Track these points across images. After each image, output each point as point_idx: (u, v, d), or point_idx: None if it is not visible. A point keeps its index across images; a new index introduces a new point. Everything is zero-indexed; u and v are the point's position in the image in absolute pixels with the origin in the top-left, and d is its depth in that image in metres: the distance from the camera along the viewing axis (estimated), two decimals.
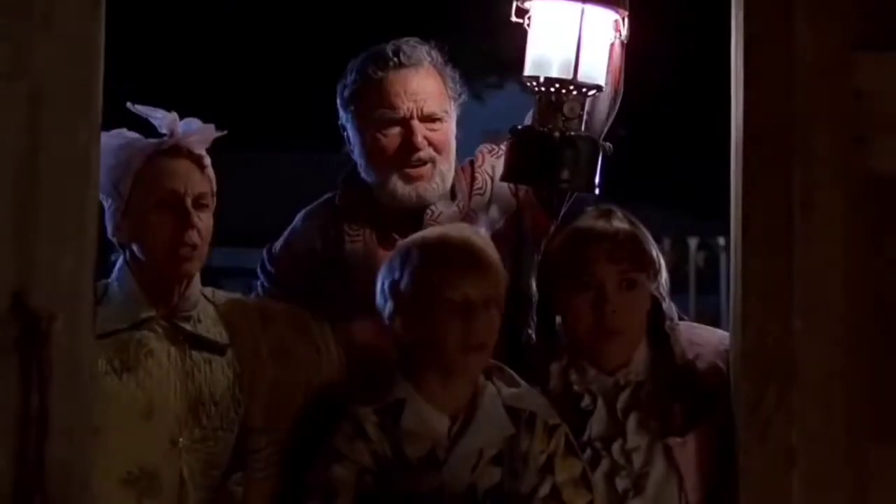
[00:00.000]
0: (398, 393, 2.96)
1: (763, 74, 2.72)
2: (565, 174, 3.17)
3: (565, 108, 3.15)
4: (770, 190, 2.71)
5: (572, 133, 3.17)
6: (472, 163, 3.58)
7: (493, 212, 3.49)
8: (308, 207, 3.60)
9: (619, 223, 3.12)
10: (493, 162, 3.54)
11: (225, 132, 3.17)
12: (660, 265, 3.14)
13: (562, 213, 3.34)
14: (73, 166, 2.56)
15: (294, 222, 3.58)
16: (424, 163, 3.41)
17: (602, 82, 3.20)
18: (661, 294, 3.15)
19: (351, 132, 3.50)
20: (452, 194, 3.49)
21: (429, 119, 3.42)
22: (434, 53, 3.48)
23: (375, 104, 3.43)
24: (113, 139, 3.09)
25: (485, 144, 3.61)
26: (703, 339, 3.16)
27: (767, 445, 2.70)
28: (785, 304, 2.70)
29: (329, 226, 3.47)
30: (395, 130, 3.42)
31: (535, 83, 3.19)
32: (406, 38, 3.47)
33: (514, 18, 3.21)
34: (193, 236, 3.10)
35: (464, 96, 3.53)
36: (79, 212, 2.58)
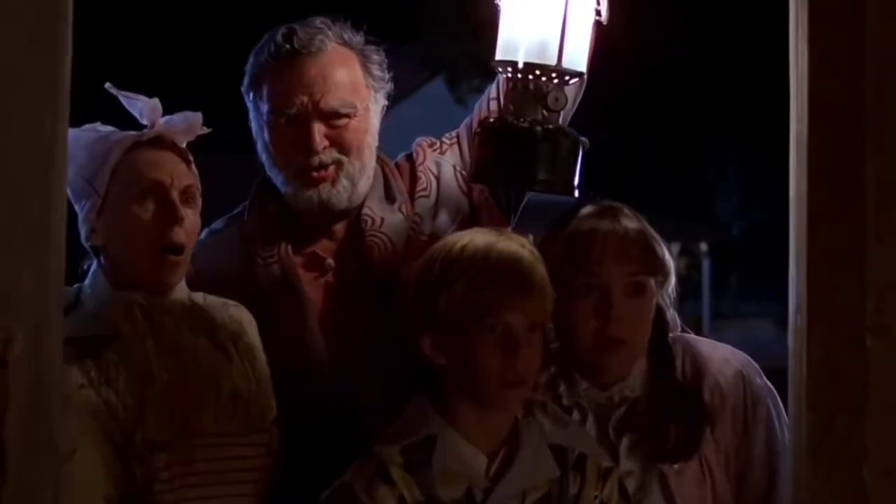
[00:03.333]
0: (429, 428, 2.67)
1: (829, 59, 2.47)
2: (545, 174, 2.89)
3: (549, 99, 2.85)
4: (838, 192, 2.47)
5: (551, 127, 2.87)
6: (410, 159, 3.21)
7: (443, 216, 3.15)
8: (215, 223, 3.22)
9: (628, 221, 2.88)
10: (435, 158, 3.19)
11: (209, 130, 2.93)
12: (670, 268, 2.86)
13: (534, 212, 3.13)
14: (35, 160, 2.29)
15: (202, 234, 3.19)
16: (326, 166, 3.04)
17: (584, 68, 2.88)
18: (665, 302, 2.90)
19: (253, 124, 3.13)
20: (389, 196, 3.13)
21: (331, 115, 3.03)
22: (348, 35, 3.09)
23: (270, 97, 3.05)
24: (86, 134, 2.87)
25: (423, 138, 3.25)
26: (706, 354, 2.95)
27: (835, 484, 2.46)
28: (856, 321, 2.45)
29: (235, 248, 3.08)
30: (292, 128, 3.04)
31: (510, 69, 2.86)
32: (313, 18, 3.08)
33: None
34: (180, 234, 2.84)
35: (390, 84, 3.15)
36: (42, 214, 2.31)
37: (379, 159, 3.16)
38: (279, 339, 2.99)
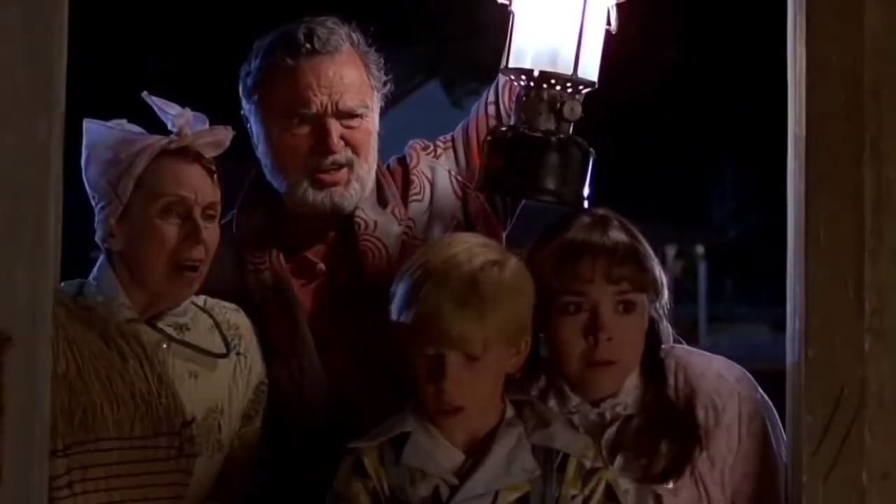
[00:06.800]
0: (405, 425, 2.65)
1: (827, 61, 2.46)
2: (556, 185, 2.82)
3: (565, 110, 2.79)
4: (837, 193, 2.46)
5: (563, 137, 2.82)
6: (402, 162, 3.16)
7: (436, 220, 3.09)
8: None
9: (618, 234, 2.75)
10: (429, 162, 3.14)
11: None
12: (661, 284, 2.80)
13: (514, 219, 3.06)
14: (31, 163, 2.27)
15: None
16: (341, 166, 3.00)
17: (596, 78, 2.84)
18: (659, 315, 2.82)
19: (255, 127, 3.07)
20: (382, 199, 3.09)
21: (346, 115, 2.99)
22: (356, 36, 3.05)
23: (283, 97, 2.99)
24: (111, 131, 2.83)
25: (416, 141, 3.19)
26: (700, 368, 2.83)
27: (834, 487, 2.46)
28: (854, 324, 2.45)
29: (225, 257, 2.99)
30: (306, 128, 2.98)
31: (523, 77, 2.82)
32: (323, 18, 3.04)
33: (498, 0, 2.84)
34: (200, 252, 2.82)
35: (389, 85, 3.11)
36: (36, 219, 2.29)
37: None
38: (270, 345, 2.97)
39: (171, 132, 2.85)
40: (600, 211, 2.81)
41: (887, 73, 2.44)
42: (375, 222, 3.03)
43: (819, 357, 2.46)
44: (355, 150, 3.01)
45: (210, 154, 2.85)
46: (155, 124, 2.89)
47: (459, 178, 3.12)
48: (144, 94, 2.87)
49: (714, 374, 2.81)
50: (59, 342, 2.67)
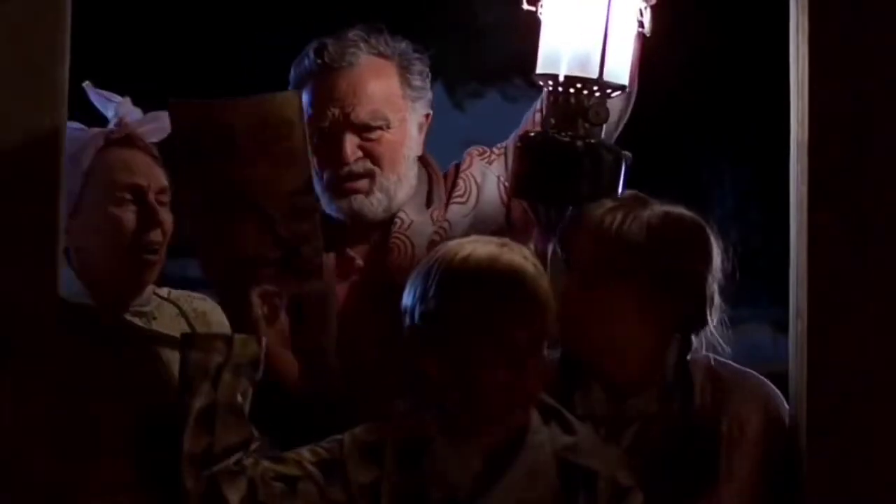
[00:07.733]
0: (428, 431, 2.59)
1: (830, 63, 2.45)
2: (587, 189, 2.80)
3: (590, 113, 2.79)
4: (839, 196, 2.45)
5: (593, 141, 2.81)
6: (457, 166, 3.19)
7: (477, 225, 3.08)
8: None
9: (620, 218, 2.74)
10: (482, 167, 3.15)
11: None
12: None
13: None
14: (32, 164, 2.29)
15: None
16: (360, 176, 3.03)
17: (626, 82, 2.85)
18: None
19: None
20: (429, 202, 3.12)
21: (362, 128, 3.02)
22: (385, 46, 3.07)
23: (306, 108, 3.01)
24: None
25: (475, 147, 3.21)
26: (729, 383, 2.76)
27: (834, 487, 2.44)
28: (857, 325, 2.44)
29: None
30: (324, 140, 3.02)
31: (550, 82, 2.82)
32: (348, 31, 3.07)
33: (525, 6, 2.84)
34: (158, 235, 2.84)
35: (430, 93, 3.12)
36: (39, 220, 2.32)
37: (429, 166, 3.17)
38: (301, 339, 2.93)
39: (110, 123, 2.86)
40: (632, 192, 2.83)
41: (890, 75, 2.44)
42: (412, 221, 3.06)
43: (821, 359, 2.45)
44: (376, 161, 3.03)
45: (154, 139, 2.86)
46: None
47: (507, 184, 3.13)
48: (86, 84, 2.86)
49: (746, 390, 2.75)
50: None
